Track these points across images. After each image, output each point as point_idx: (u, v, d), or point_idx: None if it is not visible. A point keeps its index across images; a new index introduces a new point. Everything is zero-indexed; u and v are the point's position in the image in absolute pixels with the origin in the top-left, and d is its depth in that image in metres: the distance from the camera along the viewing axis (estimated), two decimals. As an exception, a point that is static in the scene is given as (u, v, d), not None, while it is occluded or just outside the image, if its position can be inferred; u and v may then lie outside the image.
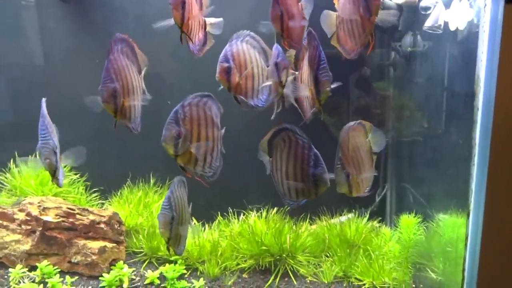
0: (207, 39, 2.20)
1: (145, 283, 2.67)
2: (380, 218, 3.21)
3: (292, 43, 1.94)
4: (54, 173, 2.04)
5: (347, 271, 2.77)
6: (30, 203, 2.78)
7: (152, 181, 3.34)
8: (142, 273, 2.77)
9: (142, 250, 2.96)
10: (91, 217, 2.79)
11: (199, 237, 2.94)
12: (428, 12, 2.24)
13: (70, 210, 2.77)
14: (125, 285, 2.61)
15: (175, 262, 2.84)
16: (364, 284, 2.69)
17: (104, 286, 2.60)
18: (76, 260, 2.70)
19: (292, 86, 2.09)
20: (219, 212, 3.25)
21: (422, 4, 2.30)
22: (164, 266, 2.76)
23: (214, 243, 2.95)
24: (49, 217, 2.72)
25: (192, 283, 2.67)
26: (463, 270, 2.02)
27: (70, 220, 2.75)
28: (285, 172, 2.10)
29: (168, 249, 2.09)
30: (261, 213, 3.17)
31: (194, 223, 3.03)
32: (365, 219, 3.13)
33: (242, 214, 3.20)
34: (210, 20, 2.17)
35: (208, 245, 2.94)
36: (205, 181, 2.14)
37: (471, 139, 1.86)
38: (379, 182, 3.37)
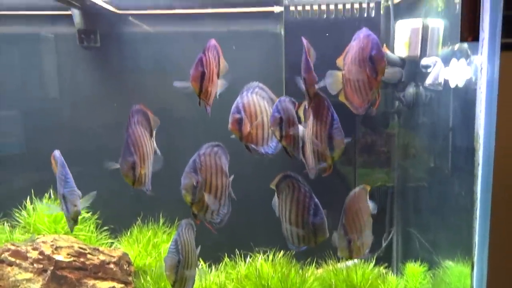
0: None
1: (151, 325, 2.68)
2: (386, 264, 3.20)
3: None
4: (76, 219, 2.12)
5: (353, 318, 2.76)
6: (44, 242, 2.85)
7: (161, 220, 3.41)
8: (148, 315, 2.79)
9: (149, 290, 2.98)
10: (102, 257, 2.84)
11: (206, 279, 2.96)
12: (429, 70, 2.37)
13: (81, 250, 2.84)
14: (132, 327, 2.62)
15: (181, 305, 2.84)
16: (371, 333, 2.67)
17: (110, 328, 2.61)
18: (84, 300, 2.73)
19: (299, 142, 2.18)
20: (226, 254, 3.28)
21: (422, 62, 2.43)
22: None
23: (221, 285, 2.96)
24: (61, 256, 2.78)
25: (198, 327, 2.67)
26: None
27: (81, 259, 2.80)
28: (288, 217, 2.19)
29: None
30: (267, 255, 3.19)
31: (201, 266, 3.06)
32: (371, 265, 3.13)
33: (249, 256, 3.23)
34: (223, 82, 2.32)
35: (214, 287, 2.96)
36: (213, 227, 2.22)
37: (473, 192, 1.91)
38: (385, 227, 3.40)
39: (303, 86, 2.05)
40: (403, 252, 3.28)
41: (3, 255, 2.85)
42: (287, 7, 2.96)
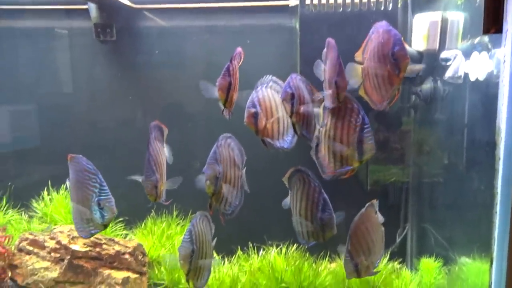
0: None
1: (165, 316, 2.72)
2: (401, 259, 3.18)
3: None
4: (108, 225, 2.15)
5: (367, 313, 2.75)
6: (61, 232, 2.90)
7: (175, 213, 3.44)
8: (163, 305, 2.82)
9: (163, 282, 3.01)
10: (117, 247, 2.88)
11: (219, 271, 2.98)
12: (448, 63, 2.34)
13: (97, 240, 2.88)
14: (146, 317, 2.66)
15: (195, 296, 2.87)
16: (385, 328, 2.66)
17: (126, 317, 2.65)
18: (100, 290, 2.77)
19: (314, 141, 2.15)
20: (239, 247, 3.29)
21: (442, 55, 2.40)
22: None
23: (234, 278, 2.98)
24: (77, 246, 2.82)
25: (212, 318, 2.70)
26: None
27: (97, 249, 2.84)
28: (298, 211, 2.19)
29: (188, 281, 2.15)
30: (280, 249, 3.20)
31: (215, 257, 3.08)
32: (386, 260, 3.12)
33: (262, 249, 3.24)
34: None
35: (228, 280, 2.97)
36: (224, 219, 2.23)
37: (493, 187, 1.88)
38: (400, 223, 3.37)
39: (328, 90, 1.99)
40: (417, 248, 3.26)
41: (21, 244, 2.92)
42: (302, 1, 2.94)
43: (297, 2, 3.00)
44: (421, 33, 2.63)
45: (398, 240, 3.30)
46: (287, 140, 2.23)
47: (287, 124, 2.22)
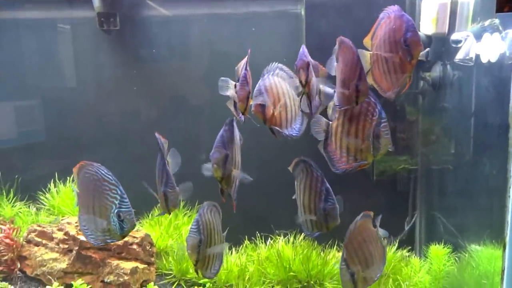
0: None
1: (174, 305, 2.72)
2: (409, 247, 3.16)
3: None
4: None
5: (376, 301, 2.73)
6: (69, 223, 2.90)
7: (182, 203, 3.43)
8: (171, 295, 2.82)
9: (171, 272, 3.01)
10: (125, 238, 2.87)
11: (227, 261, 2.98)
12: (459, 45, 2.28)
13: (104, 231, 2.87)
14: (155, 306, 2.67)
15: (204, 285, 2.87)
16: (395, 315, 2.64)
17: (135, 307, 2.66)
18: (109, 280, 2.77)
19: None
20: (246, 236, 3.28)
21: (453, 37, 2.34)
22: (193, 288, 2.80)
23: (242, 267, 2.98)
24: (85, 237, 2.82)
25: (220, 307, 2.70)
26: (500, 304, 1.97)
27: (105, 240, 2.84)
28: (302, 202, 2.16)
29: (196, 271, 2.12)
30: (288, 238, 3.19)
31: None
32: (394, 248, 3.09)
33: (269, 238, 3.23)
34: None
35: (236, 269, 2.97)
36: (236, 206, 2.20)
37: (506, 170, 1.85)
38: (408, 210, 3.34)
39: (341, 89, 1.93)
40: (426, 235, 3.23)
41: (29, 236, 2.92)
42: (308, -15, 2.88)
43: (302, -13, 2.96)
44: (429, 16, 2.57)
45: (406, 228, 3.27)
46: (295, 128, 2.19)
47: (295, 112, 2.18)
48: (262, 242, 3.22)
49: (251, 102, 2.07)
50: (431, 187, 3.15)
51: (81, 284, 2.74)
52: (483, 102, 2.27)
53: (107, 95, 3.48)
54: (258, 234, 3.26)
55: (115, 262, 2.81)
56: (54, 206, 3.26)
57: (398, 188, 3.34)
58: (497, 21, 2.16)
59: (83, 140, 3.56)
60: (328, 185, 2.12)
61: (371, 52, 1.93)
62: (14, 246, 2.89)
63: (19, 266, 2.91)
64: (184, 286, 2.94)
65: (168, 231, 3.21)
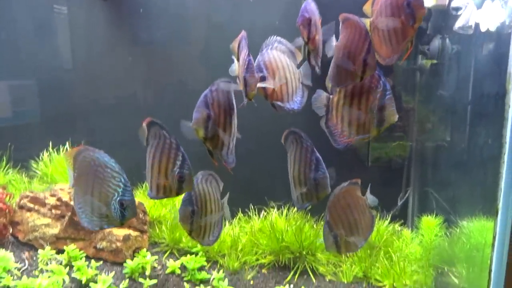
0: None
1: (166, 272, 2.73)
2: (401, 221, 3.19)
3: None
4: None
5: (367, 272, 2.76)
6: (61, 189, 2.88)
7: (176, 175, 3.42)
8: (164, 262, 2.83)
9: (164, 241, 3.02)
10: (118, 205, 2.86)
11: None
12: (459, 12, 2.26)
13: (98, 197, 2.86)
14: (147, 272, 2.67)
15: (196, 254, 2.88)
16: (385, 286, 2.67)
17: (127, 272, 2.66)
18: (101, 246, 2.77)
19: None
20: (240, 209, 3.29)
21: (453, 4, 2.32)
22: (186, 257, 2.81)
23: (235, 238, 2.99)
24: (78, 203, 2.80)
25: (212, 274, 2.71)
26: (490, 271, 1.99)
27: (98, 207, 2.83)
28: (292, 173, 2.15)
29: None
30: (282, 210, 3.20)
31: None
32: (387, 222, 3.12)
33: (263, 211, 3.24)
34: None
35: (229, 240, 2.98)
36: (229, 168, 2.17)
37: (501, 136, 1.86)
38: (402, 186, 3.36)
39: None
40: (419, 211, 3.26)
41: (22, 202, 2.90)
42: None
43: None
44: (430, -13, 2.55)
45: (399, 203, 3.30)
46: (296, 101, 2.16)
47: (295, 85, 2.15)
48: (255, 215, 3.23)
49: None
50: (425, 162, 3.17)
51: (73, 250, 2.73)
52: (481, 72, 2.27)
53: (102, 65, 3.43)
54: (252, 207, 3.27)
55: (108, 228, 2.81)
56: (47, 174, 3.23)
57: (392, 165, 3.36)
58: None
59: (77, 111, 3.53)
60: (318, 154, 2.11)
61: (370, 19, 1.90)
62: (7, 211, 2.87)
63: (11, 231, 2.90)
64: (177, 255, 2.94)
65: (162, 201, 3.20)
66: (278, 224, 3.02)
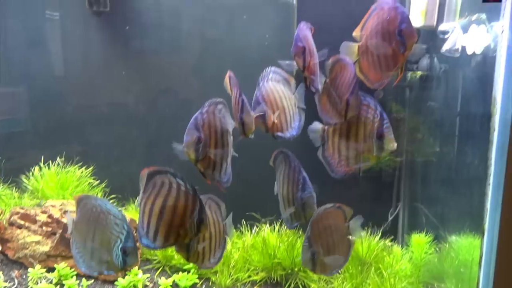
0: None
1: (158, 290, 2.72)
2: (392, 237, 3.22)
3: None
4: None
5: (358, 288, 2.78)
6: (52, 206, 2.87)
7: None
8: (155, 280, 2.82)
9: (156, 258, 3.01)
10: (109, 222, 2.85)
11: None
12: (446, 36, 2.32)
13: (89, 214, 2.85)
14: (139, 290, 2.66)
15: (188, 271, 2.87)
16: (376, 302, 2.69)
17: (118, 291, 2.65)
18: (92, 264, 2.75)
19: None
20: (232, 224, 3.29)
21: (440, 28, 2.38)
22: (178, 274, 2.80)
23: (227, 254, 2.98)
24: (69, 220, 2.79)
25: (204, 292, 2.71)
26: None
27: (89, 224, 2.82)
28: (281, 193, 2.19)
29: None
30: (274, 226, 3.21)
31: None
32: (377, 238, 3.15)
33: (255, 226, 3.25)
34: None
35: (221, 256, 2.97)
36: (222, 187, 2.19)
37: (487, 159, 1.90)
38: (392, 202, 3.40)
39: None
40: (409, 225, 3.29)
41: (12, 218, 2.88)
42: (300, -26, 2.90)
43: (294, -24, 2.97)
44: (419, 8, 2.61)
45: (390, 218, 3.33)
46: (295, 127, 2.20)
47: (293, 112, 2.19)
48: (248, 230, 3.23)
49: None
50: (415, 178, 3.21)
51: (63, 268, 2.71)
52: (468, 93, 2.32)
53: (94, 77, 3.44)
54: (244, 222, 3.27)
55: (99, 246, 2.79)
56: (38, 189, 3.22)
57: (383, 180, 3.39)
58: (484, 15, 2.20)
59: (70, 125, 3.52)
60: (304, 174, 2.15)
61: (358, 44, 1.95)
62: (-4, 228, 2.85)
63: (0, 248, 2.87)
64: (169, 272, 2.94)
65: (154, 217, 3.19)
66: (270, 240, 3.03)
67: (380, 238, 3.15)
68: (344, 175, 2.00)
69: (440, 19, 2.55)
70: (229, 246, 3.12)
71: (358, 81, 1.91)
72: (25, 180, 3.28)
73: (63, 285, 2.59)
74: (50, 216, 2.82)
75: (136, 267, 2.82)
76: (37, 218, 2.83)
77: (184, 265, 2.91)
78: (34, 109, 3.53)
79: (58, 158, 3.37)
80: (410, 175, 3.27)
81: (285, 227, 3.17)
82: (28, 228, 2.83)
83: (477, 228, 2.08)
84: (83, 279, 2.69)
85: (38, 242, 2.79)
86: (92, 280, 2.73)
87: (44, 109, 3.50)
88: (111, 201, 3.37)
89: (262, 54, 3.24)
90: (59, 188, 3.21)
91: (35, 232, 2.81)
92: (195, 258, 2.03)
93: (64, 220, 2.79)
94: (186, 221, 1.80)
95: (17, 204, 3.10)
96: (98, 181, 3.38)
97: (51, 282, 2.64)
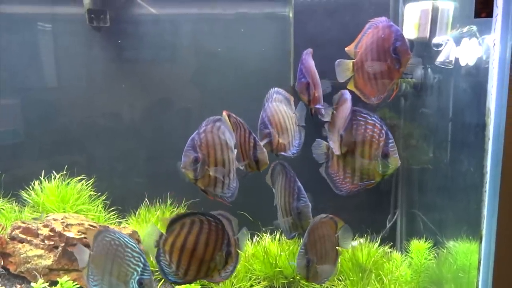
0: None
1: (161, 301, 2.73)
2: (391, 244, 3.27)
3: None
4: None
5: (359, 295, 2.82)
6: (54, 219, 2.87)
7: (168, 201, 3.44)
8: (158, 291, 2.83)
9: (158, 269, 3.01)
10: (112, 234, 2.87)
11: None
12: (440, 48, 2.41)
13: (91, 227, 2.86)
14: (143, 302, 2.66)
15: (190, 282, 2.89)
16: (377, 309, 2.73)
17: (122, 303, 2.65)
18: (95, 277, 2.76)
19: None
20: (233, 234, 3.32)
21: (434, 41, 2.47)
22: (180, 285, 2.81)
23: (229, 264, 3.01)
24: (72, 233, 2.80)
25: (208, 302, 2.73)
26: (476, 295, 2.08)
27: (92, 236, 2.83)
28: (280, 204, 2.26)
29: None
30: (274, 235, 3.24)
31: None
32: (376, 244, 3.20)
33: (256, 236, 3.28)
34: None
35: (223, 266, 3.00)
36: (226, 201, 2.23)
37: (483, 167, 1.97)
38: (390, 208, 3.46)
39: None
40: (407, 233, 3.35)
41: (13, 233, 2.88)
42: (297, -11, 2.98)
43: (291, -10, 3.05)
44: (412, 21, 2.70)
45: (388, 225, 3.39)
46: (296, 145, 2.27)
47: (294, 130, 2.27)
48: (248, 239, 3.26)
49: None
50: (412, 186, 3.28)
51: (66, 281, 2.72)
52: (462, 103, 2.40)
53: (94, 92, 3.48)
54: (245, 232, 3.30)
55: (102, 258, 2.80)
56: (39, 203, 3.22)
57: (380, 188, 3.46)
58: (474, 27, 2.29)
59: (70, 138, 3.54)
60: (299, 184, 2.22)
61: (353, 60, 2.00)
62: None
63: (2, 263, 2.86)
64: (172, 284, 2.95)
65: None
66: (271, 249, 3.07)
67: (379, 245, 3.20)
68: (348, 192, 2.03)
69: (433, 31, 2.64)
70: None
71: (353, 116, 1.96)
72: (25, 194, 3.28)
73: (66, 298, 2.60)
74: (52, 230, 2.82)
75: (139, 279, 2.83)
76: (39, 232, 2.84)
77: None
78: (34, 122, 3.54)
79: (57, 171, 3.38)
80: (407, 183, 3.33)
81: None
82: (30, 242, 2.83)
83: (475, 234, 2.15)
84: (86, 292, 2.70)
85: (40, 256, 2.79)
86: (95, 293, 2.73)
87: (43, 121, 3.52)
88: (112, 213, 3.39)
89: (259, 65, 3.31)
90: (59, 201, 3.22)
91: (37, 246, 2.82)
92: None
93: (66, 233, 2.80)
94: (216, 255, 1.89)
95: (18, 218, 3.09)
96: (99, 193, 3.39)
97: (54, 296, 2.65)
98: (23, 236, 2.86)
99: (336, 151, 1.97)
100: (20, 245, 2.85)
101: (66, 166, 3.37)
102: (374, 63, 1.86)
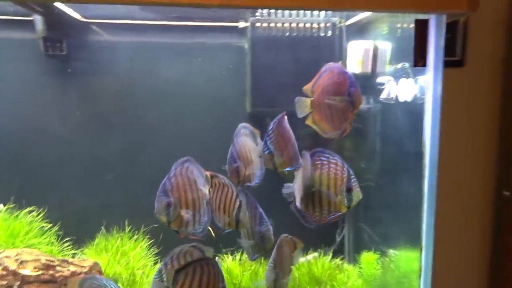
0: None
1: (127, 332, 2.71)
2: (342, 256, 3.58)
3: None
4: None
5: (317, 307, 3.05)
6: (7, 257, 2.71)
7: (127, 228, 3.40)
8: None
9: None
10: (72, 268, 2.78)
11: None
12: (383, 87, 2.78)
13: (49, 262, 2.75)
14: (108, 336, 2.62)
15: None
16: (333, 318, 2.98)
17: None
18: (55, 314, 2.66)
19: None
20: (194, 257, 3.38)
21: (378, 80, 2.84)
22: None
23: (192, 287, 3.07)
24: (28, 270, 2.67)
25: (175, 328, 2.76)
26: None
27: (50, 272, 2.71)
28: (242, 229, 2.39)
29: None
30: (235, 256, 3.37)
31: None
32: (329, 257, 3.48)
33: (217, 257, 3.38)
34: None
35: (186, 290, 3.05)
36: (198, 237, 2.32)
37: (421, 190, 2.32)
38: (338, 223, 3.78)
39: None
40: (355, 244, 3.69)
41: (-42, 274, 2.66)
42: (253, 24, 3.20)
43: (247, 25, 3.25)
44: (356, 58, 3.05)
45: (338, 239, 3.70)
46: (258, 176, 2.43)
47: (257, 162, 2.43)
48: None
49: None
50: (358, 202, 3.62)
51: (23, 322, 2.58)
52: (402, 133, 2.77)
53: (48, 119, 3.35)
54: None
55: (62, 294, 2.71)
56: (-16, 239, 3.00)
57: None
58: (407, 64, 2.68)
59: (19, 169, 3.36)
60: (260, 209, 2.42)
61: (311, 98, 2.24)
62: None
63: None
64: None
65: (116, 257, 3.16)
66: (233, 270, 3.19)
67: (332, 257, 3.49)
68: (318, 225, 2.25)
69: (374, 67, 3.02)
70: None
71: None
72: (-33, 230, 3.04)
73: None
74: (5, 268, 2.65)
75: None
76: (-10, 271, 2.66)
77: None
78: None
79: (4, 203, 3.19)
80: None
81: (247, 256, 3.35)
82: (-21, 283, 2.64)
83: (414, 244, 2.49)
84: (46, 331, 2.59)
85: (-9, 298, 2.61)
86: (56, 331, 2.63)
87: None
88: (66, 243, 3.27)
89: (216, 93, 3.45)
90: (8, 236, 3.03)
91: (-12, 286, 2.64)
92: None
93: (22, 271, 2.66)
94: None
95: (-39, 257, 2.85)
96: (51, 224, 3.25)
97: None
98: (-30, 277, 2.66)
99: (297, 202, 2.18)
100: (-34, 287, 2.64)
101: (13, 198, 3.20)
102: (331, 105, 2.12)
